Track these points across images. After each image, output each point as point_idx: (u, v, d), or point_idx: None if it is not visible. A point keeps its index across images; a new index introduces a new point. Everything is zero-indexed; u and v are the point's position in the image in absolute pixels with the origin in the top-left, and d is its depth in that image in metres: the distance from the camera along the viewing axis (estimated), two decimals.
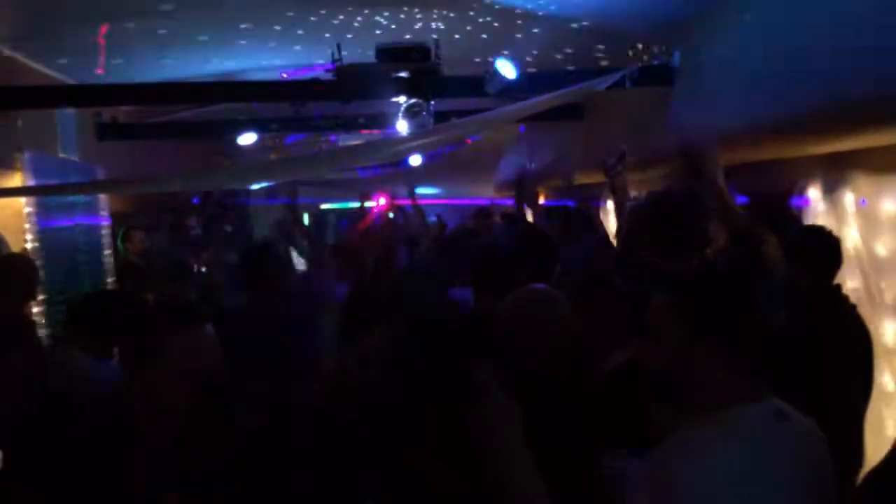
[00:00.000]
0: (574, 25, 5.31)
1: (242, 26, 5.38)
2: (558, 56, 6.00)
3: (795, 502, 1.58)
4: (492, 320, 2.35)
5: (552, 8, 4.93)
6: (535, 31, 5.49)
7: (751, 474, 1.52)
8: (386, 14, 5.22)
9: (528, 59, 5.77)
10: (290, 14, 5.22)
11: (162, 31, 5.27)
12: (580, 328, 2.31)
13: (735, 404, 1.59)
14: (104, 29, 5.06)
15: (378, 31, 5.44)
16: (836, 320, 3.25)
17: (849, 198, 4.37)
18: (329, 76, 5.21)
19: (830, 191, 4.55)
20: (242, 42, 5.80)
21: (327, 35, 5.41)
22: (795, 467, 1.58)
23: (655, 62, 5.20)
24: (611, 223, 6.42)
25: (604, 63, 5.58)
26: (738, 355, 1.61)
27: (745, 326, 1.62)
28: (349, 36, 5.40)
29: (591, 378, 2.36)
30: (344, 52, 5.08)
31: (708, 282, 1.71)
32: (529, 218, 7.15)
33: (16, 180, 5.19)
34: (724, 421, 1.57)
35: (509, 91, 5.22)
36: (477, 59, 5.83)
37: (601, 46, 5.75)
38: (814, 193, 4.72)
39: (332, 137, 9.89)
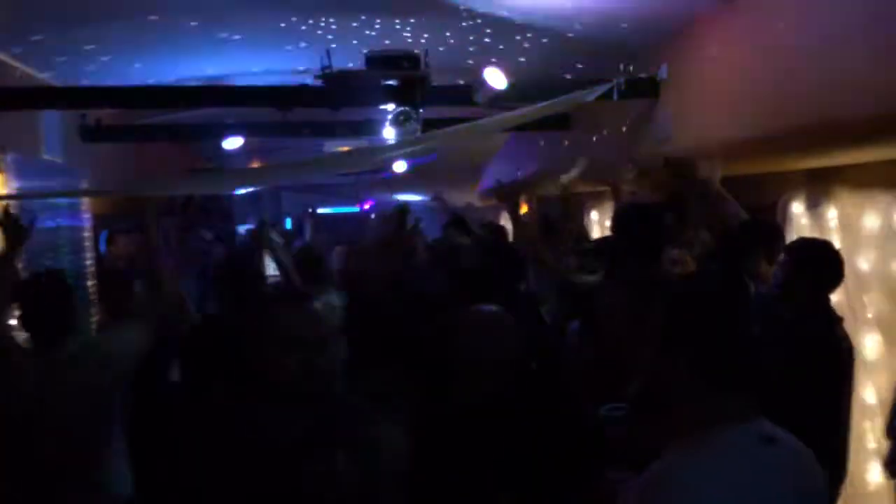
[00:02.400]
0: (562, 37, 5.35)
1: (231, 31, 5.37)
2: (547, 67, 6.03)
3: None
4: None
5: (541, 19, 4.95)
6: (525, 43, 5.52)
7: (732, 497, 1.49)
8: (377, 22, 5.23)
9: (518, 69, 5.79)
10: (283, 25, 5.22)
11: (148, 34, 5.25)
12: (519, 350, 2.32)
13: (717, 424, 1.54)
14: (89, 30, 5.04)
15: (369, 35, 5.44)
16: (827, 335, 3.27)
17: (831, 213, 4.43)
18: (318, 83, 5.20)
19: (813, 205, 4.61)
20: (230, 47, 5.79)
21: (316, 38, 5.41)
22: (781, 495, 1.54)
23: (642, 75, 5.25)
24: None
25: (590, 74, 5.61)
26: (717, 372, 1.56)
27: (724, 343, 1.58)
28: (334, 46, 5.40)
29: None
30: (334, 54, 5.08)
31: (686, 297, 1.69)
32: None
33: None
34: (706, 444, 1.53)
35: (498, 101, 5.25)
36: (465, 67, 5.85)
37: (588, 58, 5.79)
38: (797, 208, 4.78)
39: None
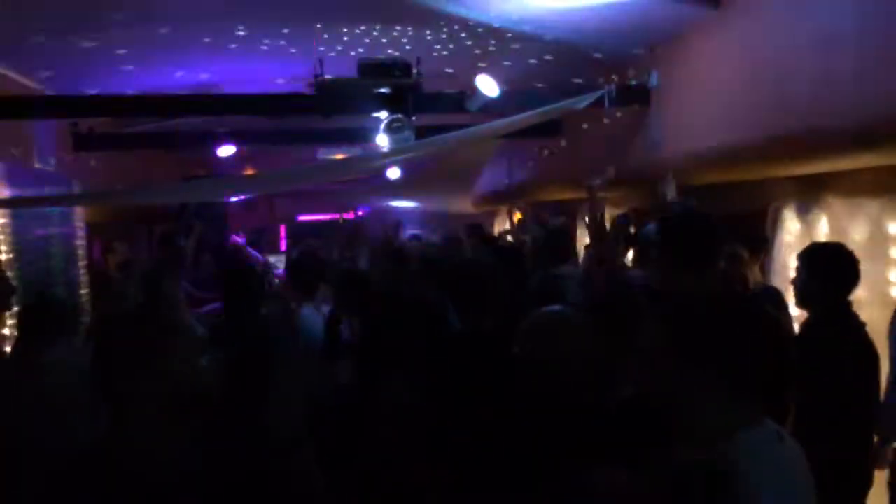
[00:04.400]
0: (555, 45, 5.37)
1: (223, 40, 5.38)
2: (539, 74, 6.06)
3: None
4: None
5: (532, 28, 4.98)
6: (517, 51, 5.54)
7: (765, 495, 1.57)
8: (365, 28, 5.24)
9: (510, 76, 5.81)
10: (275, 33, 5.23)
11: (140, 43, 5.25)
12: (600, 350, 2.31)
13: (740, 428, 1.62)
14: (81, 39, 5.04)
15: (361, 43, 5.46)
16: (848, 337, 3.23)
17: (822, 219, 4.45)
18: (310, 90, 5.21)
19: (804, 212, 4.64)
20: (222, 55, 5.80)
21: (308, 46, 5.42)
22: (797, 485, 1.65)
23: (633, 83, 5.28)
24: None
25: (580, 82, 5.64)
26: (737, 382, 1.64)
27: (741, 353, 1.64)
28: (332, 53, 5.42)
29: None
30: (326, 62, 5.09)
31: (700, 310, 1.73)
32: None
33: None
34: (740, 445, 1.61)
35: (490, 108, 5.26)
36: (457, 76, 5.87)
37: (579, 66, 5.82)
38: (788, 214, 4.80)
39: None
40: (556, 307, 2.46)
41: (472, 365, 2.60)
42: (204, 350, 1.80)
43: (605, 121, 5.81)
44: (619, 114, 5.57)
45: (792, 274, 3.47)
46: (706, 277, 2.95)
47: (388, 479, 2.38)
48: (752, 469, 1.58)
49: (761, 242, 4.76)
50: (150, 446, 1.70)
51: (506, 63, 5.82)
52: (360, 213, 17.37)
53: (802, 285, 3.34)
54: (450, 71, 5.94)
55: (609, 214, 5.24)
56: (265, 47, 5.60)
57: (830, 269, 3.26)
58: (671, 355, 1.68)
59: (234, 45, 5.52)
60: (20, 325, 3.42)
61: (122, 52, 5.43)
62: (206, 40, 5.39)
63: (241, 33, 5.26)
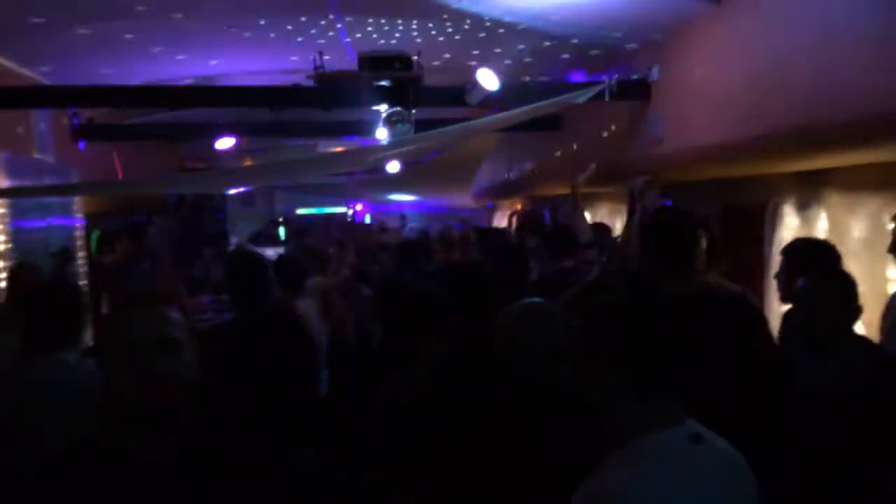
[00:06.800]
0: (555, 38, 5.36)
1: (223, 31, 5.37)
2: (540, 68, 6.05)
3: None
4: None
5: (533, 21, 4.97)
6: (517, 44, 5.54)
7: (669, 497, 1.54)
8: (370, 21, 5.23)
9: (510, 70, 5.81)
10: (275, 25, 5.22)
11: (138, 34, 5.24)
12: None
13: (648, 430, 1.59)
14: (81, 30, 5.03)
15: (361, 36, 5.45)
16: None
17: (821, 215, 4.45)
18: (310, 83, 5.20)
19: (803, 208, 4.64)
20: (222, 47, 5.79)
21: (308, 38, 5.42)
22: (710, 487, 1.59)
23: (634, 76, 5.27)
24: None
25: (581, 76, 5.64)
26: (644, 381, 1.61)
27: (648, 352, 1.61)
28: (332, 46, 5.40)
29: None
30: (326, 57, 5.08)
31: (610, 311, 1.71)
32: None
33: None
34: (640, 453, 1.57)
35: (490, 102, 5.26)
36: (457, 68, 5.86)
37: (580, 59, 5.82)
38: (787, 210, 4.80)
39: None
40: (533, 300, 2.49)
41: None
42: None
43: (604, 115, 5.81)
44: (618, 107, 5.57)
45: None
46: (685, 279, 2.96)
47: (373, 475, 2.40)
48: (658, 471, 1.55)
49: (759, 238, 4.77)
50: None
51: (506, 58, 5.82)
52: (356, 208, 17.37)
53: (786, 280, 3.26)
54: (450, 64, 5.93)
55: (609, 210, 5.21)
56: (266, 39, 5.60)
57: (814, 264, 3.14)
58: (584, 353, 1.67)
59: (234, 38, 5.52)
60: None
61: (122, 42, 5.42)
62: (207, 32, 5.39)
63: (242, 26, 5.26)
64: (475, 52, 5.73)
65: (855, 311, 2.81)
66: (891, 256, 3.52)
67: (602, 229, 5.13)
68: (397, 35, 5.47)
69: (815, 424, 2.53)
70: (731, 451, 1.66)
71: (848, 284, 2.82)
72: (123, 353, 1.61)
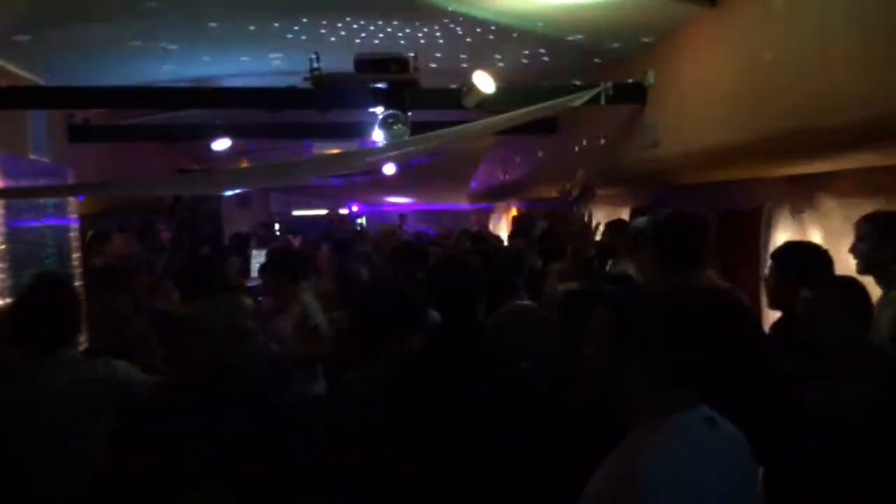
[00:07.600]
0: (551, 42, 5.37)
1: (219, 33, 5.37)
2: (536, 71, 6.06)
3: (731, 497, 1.72)
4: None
5: (529, 24, 4.98)
6: (514, 47, 5.54)
7: (691, 473, 1.67)
8: (363, 24, 5.23)
9: (506, 73, 5.81)
10: (271, 26, 5.22)
11: (136, 34, 5.24)
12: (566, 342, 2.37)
13: (666, 414, 1.73)
14: (77, 30, 5.02)
15: (358, 38, 5.45)
16: None
17: (815, 219, 4.47)
18: (307, 84, 5.20)
19: (797, 212, 4.65)
20: (219, 48, 5.79)
21: (304, 40, 5.42)
22: (725, 465, 1.73)
23: (630, 80, 5.28)
24: None
25: (577, 79, 5.64)
26: (669, 374, 1.75)
27: (667, 344, 1.75)
28: (328, 47, 5.40)
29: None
30: (323, 57, 5.08)
31: (643, 305, 1.86)
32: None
33: None
34: (659, 433, 1.71)
35: (486, 105, 5.26)
36: (454, 71, 5.87)
37: (576, 62, 5.82)
38: (782, 214, 4.82)
39: (307, 144, 9.90)
40: (524, 302, 2.56)
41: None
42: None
43: (599, 118, 5.82)
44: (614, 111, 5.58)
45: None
46: (692, 277, 2.99)
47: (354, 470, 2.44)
48: (678, 449, 1.68)
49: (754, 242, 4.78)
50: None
51: (501, 61, 5.83)
52: (352, 209, 17.36)
53: (776, 285, 3.22)
54: (445, 67, 5.93)
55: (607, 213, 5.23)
56: (264, 40, 5.60)
57: (804, 269, 3.07)
58: (612, 344, 1.79)
59: (234, 39, 5.52)
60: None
61: (120, 43, 5.42)
62: (205, 34, 5.39)
63: (242, 27, 5.26)
64: (471, 55, 5.73)
65: (867, 321, 2.67)
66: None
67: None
68: (395, 37, 5.48)
69: (827, 449, 2.44)
70: (739, 434, 1.81)
71: (859, 293, 2.67)
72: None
